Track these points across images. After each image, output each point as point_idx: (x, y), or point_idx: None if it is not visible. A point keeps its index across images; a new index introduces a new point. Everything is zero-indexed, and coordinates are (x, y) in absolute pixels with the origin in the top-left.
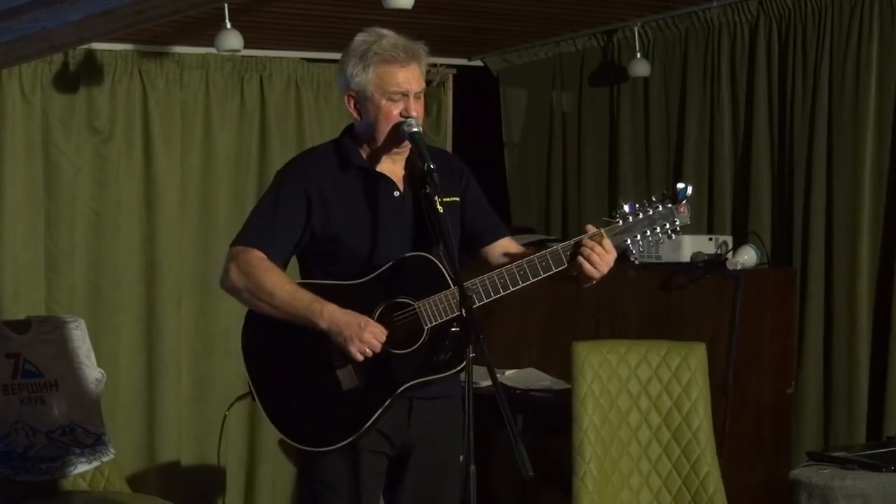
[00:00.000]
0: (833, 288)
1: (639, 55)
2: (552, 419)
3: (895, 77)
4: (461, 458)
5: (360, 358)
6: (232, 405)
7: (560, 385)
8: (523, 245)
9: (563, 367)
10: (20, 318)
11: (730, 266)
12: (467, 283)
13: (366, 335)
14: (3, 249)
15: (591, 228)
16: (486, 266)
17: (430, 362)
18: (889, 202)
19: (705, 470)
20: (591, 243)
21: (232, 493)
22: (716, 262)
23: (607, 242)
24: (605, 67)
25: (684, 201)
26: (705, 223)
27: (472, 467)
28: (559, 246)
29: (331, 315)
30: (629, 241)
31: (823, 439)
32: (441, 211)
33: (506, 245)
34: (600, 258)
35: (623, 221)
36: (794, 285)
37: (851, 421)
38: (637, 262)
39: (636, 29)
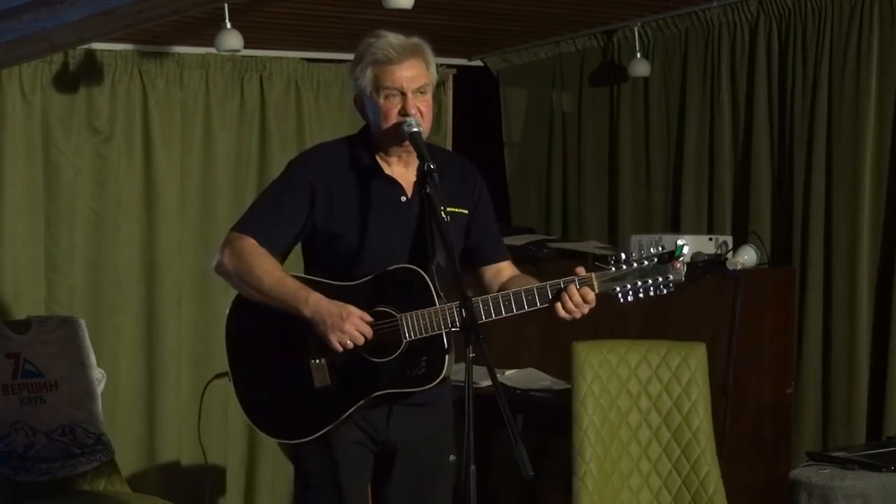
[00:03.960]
0: (833, 288)
1: (639, 55)
2: (552, 419)
3: (895, 77)
4: (451, 457)
5: (340, 348)
6: (209, 383)
7: (560, 385)
8: (523, 244)
9: (563, 367)
10: (20, 318)
11: (730, 266)
12: (452, 304)
13: (347, 325)
14: (3, 249)
15: (581, 272)
16: (479, 284)
17: (403, 375)
18: (889, 202)
19: (705, 470)
20: (571, 291)
21: (232, 493)
22: (716, 262)
23: (586, 293)
24: (605, 67)
25: (681, 258)
26: (705, 223)
27: (473, 467)
28: (547, 283)
29: (316, 303)
30: (618, 290)
31: (823, 439)
32: (444, 217)
33: (502, 268)
34: (577, 308)
35: (616, 269)
36: (794, 285)
37: (851, 421)
38: (622, 301)
39: (636, 29)
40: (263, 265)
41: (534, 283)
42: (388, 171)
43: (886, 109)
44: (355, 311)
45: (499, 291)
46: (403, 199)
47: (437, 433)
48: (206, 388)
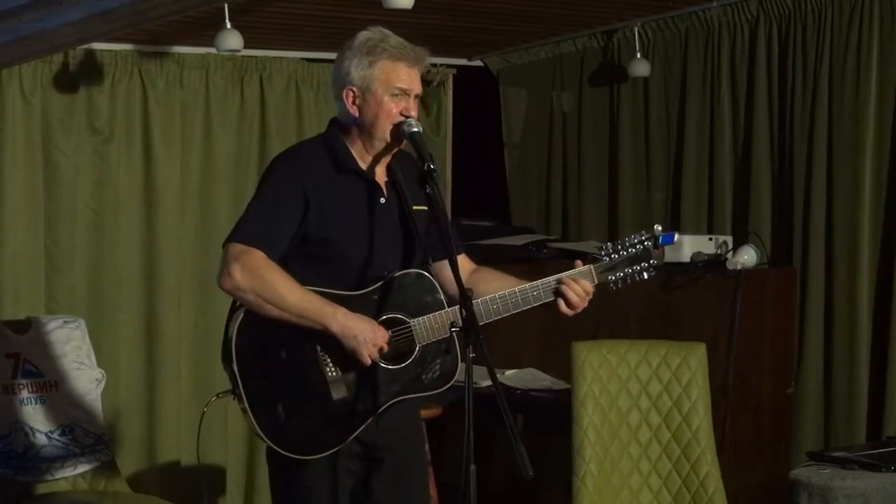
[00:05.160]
0: (833, 288)
1: (639, 55)
2: (552, 419)
3: (895, 77)
4: (426, 447)
5: (369, 362)
6: (209, 403)
7: (560, 385)
8: (523, 244)
9: (563, 367)
10: (20, 318)
11: (730, 266)
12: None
13: (379, 339)
14: (3, 249)
15: (579, 264)
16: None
17: (418, 380)
18: (889, 202)
19: (705, 470)
20: (570, 283)
21: (232, 493)
22: (716, 262)
23: (585, 284)
24: (605, 67)
25: (664, 246)
26: (705, 223)
27: (473, 467)
28: (551, 278)
29: (344, 318)
30: (612, 278)
31: (823, 439)
32: (442, 215)
33: (461, 263)
34: (580, 299)
35: (609, 259)
36: (794, 285)
37: (851, 421)
38: (614, 289)
39: (636, 29)
40: (282, 281)
41: (510, 279)
42: (368, 172)
43: (886, 109)
44: (381, 326)
45: (466, 286)
46: (382, 200)
47: (415, 430)
48: (207, 406)
